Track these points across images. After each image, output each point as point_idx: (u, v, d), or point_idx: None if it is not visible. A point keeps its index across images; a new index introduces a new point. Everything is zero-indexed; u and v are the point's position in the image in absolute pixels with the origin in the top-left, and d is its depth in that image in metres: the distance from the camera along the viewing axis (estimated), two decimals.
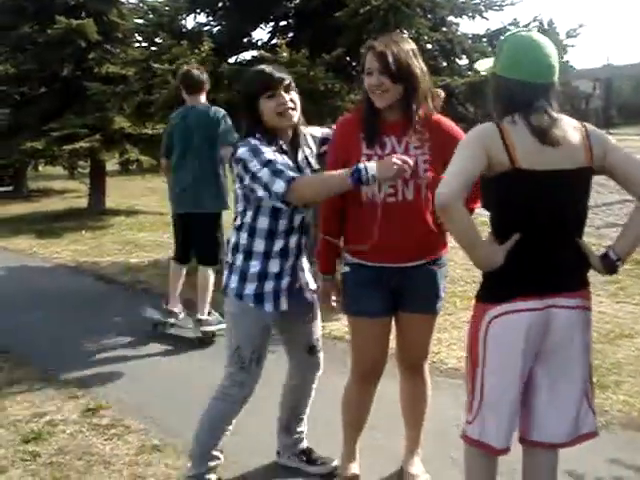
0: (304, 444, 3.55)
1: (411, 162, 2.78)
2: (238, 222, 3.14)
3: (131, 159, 12.44)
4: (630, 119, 36.11)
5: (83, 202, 13.51)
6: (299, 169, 3.08)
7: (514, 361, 2.47)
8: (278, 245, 3.10)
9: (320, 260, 3.21)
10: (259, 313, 3.11)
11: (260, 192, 2.95)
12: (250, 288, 3.09)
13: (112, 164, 13.45)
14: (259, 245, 3.09)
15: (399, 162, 2.73)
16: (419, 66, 2.93)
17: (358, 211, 3.02)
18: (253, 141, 3.00)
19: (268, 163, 2.91)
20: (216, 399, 3.22)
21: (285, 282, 3.14)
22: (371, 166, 2.77)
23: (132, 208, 13.19)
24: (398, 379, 3.34)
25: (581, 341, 2.53)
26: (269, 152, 2.97)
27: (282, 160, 2.99)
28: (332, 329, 5.39)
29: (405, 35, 3.03)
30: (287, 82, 3.06)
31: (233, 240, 3.17)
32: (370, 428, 3.39)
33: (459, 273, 7.20)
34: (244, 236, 3.11)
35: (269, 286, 3.11)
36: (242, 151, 2.98)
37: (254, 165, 2.92)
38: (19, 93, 13.00)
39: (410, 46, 2.94)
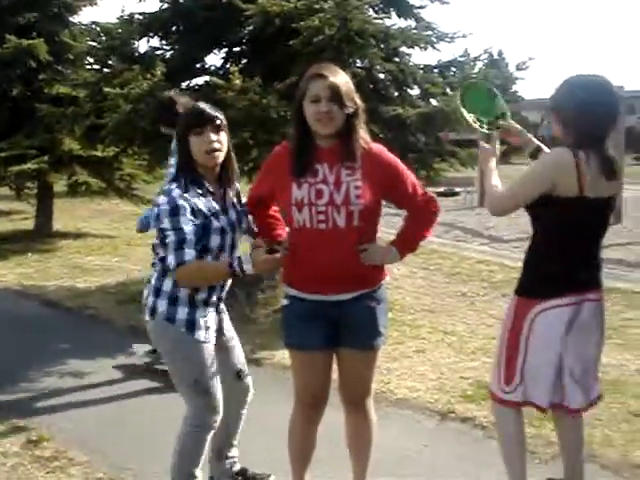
0: (237, 466, 3.54)
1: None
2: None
3: (80, 181, 12.24)
4: None
5: (30, 224, 13.23)
6: (224, 211, 3.13)
7: (553, 346, 3.03)
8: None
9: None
10: (195, 340, 3.10)
11: (160, 250, 3.03)
12: (182, 312, 3.09)
13: (60, 186, 13.21)
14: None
15: (276, 258, 2.92)
16: (357, 95, 3.00)
17: (291, 238, 3.06)
18: (175, 192, 3.00)
19: (178, 231, 2.94)
20: (188, 432, 3.19)
21: (212, 314, 3.18)
22: (246, 259, 2.92)
23: (80, 231, 12.96)
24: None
25: (598, 325, 3.16)
26: (186, 216, 2.97)
27: (192, 229, 2.96)
28: (281, 358, 5.33)
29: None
30: (217, 122, 3.07)
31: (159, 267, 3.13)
32: (318, 461, 3.36)
33: (409, 301, 7.23)
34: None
35: (200, 314, 3.12)
36: (162, 201, 3.00)
37: (166, 224, 2.96)
38: None
39: (348, 77, 3.02)
